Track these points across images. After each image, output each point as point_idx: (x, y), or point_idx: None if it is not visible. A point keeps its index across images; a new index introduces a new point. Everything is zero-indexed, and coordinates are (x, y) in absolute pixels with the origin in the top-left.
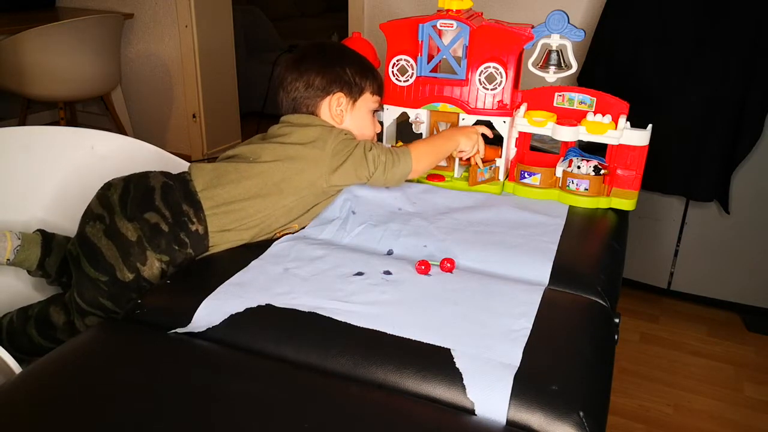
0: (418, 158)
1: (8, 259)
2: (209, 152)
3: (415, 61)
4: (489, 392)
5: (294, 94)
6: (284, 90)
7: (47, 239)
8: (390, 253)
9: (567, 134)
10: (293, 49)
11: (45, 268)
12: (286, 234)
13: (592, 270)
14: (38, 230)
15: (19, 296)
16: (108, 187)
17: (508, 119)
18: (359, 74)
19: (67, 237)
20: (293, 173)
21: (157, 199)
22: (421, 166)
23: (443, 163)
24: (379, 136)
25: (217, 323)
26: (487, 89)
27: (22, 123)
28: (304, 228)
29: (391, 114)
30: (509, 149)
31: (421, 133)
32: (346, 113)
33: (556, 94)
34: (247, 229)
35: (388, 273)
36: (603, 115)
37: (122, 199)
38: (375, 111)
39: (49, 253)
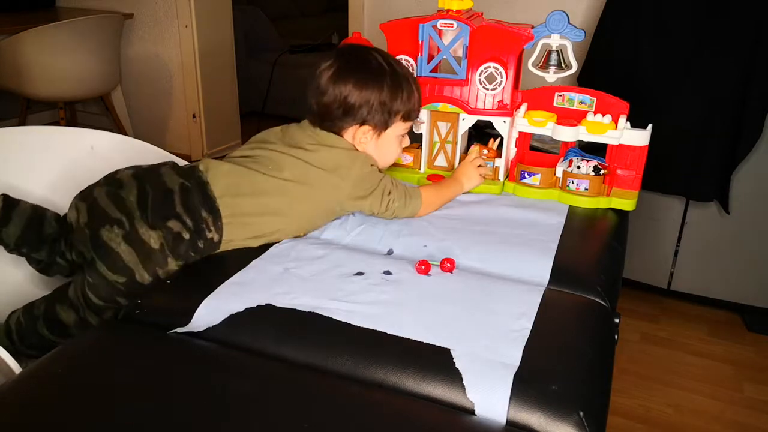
0: (426, 205)
1: None
2: (209, 152)
3: (416, 61)
4: (489, 392)
5: (323, 107)
6: (315, 96)
7: (8, 207)
8: (390, 252)
9: (567, 134)
10: (294, 49)
11: (2, 237)
12: None
13: (592, 270)
14: (2, 195)
15: (18, 287)
16: (119, 184)
17: (508, 119)
18: (394, 99)
19: (34, 206)
20: (312, 198)
21: (178, 204)
22: (426, 212)
23: (443, 163)
24: None
25: (217, 323)
26: (488, 89)
27: (22, 123)
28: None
29: None
30: (509, 149)
31: (420, 134)
32: (369, 142)
33: (556, 94)
34: (256, 238)
35: (388, 273)
36: (603, 115)
37: (141, 202)
38: (406, 132)
39: (7, 223)
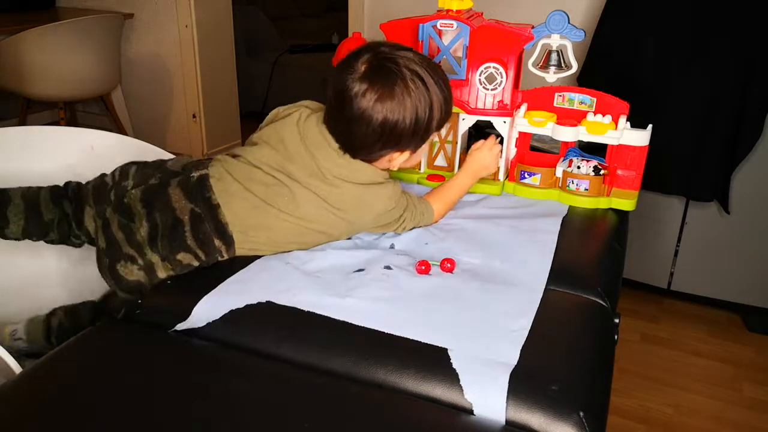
0: (438, 216)
1: None
2: (209, 152)
3: None
4: (486, 392)
5: (362, 137)
6: (347, 123)
7: (1, 206)
8: (392, 247)
9: (567, 134)
10: (294, 49)
11: (7, 236)
12: None
13: (592, 270)
14: None
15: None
16: (130, 214)
17: (508, 119)
18: (438, 116)
19: (24, 196)
20: (326, 233)
21: (189, 236)
22: (441, 217)
23: (443, 163)
24: None
25: (217, 318)
26: (488, 89)
27: (22, 123)
28: None
29: None
30: (509, 149)
31: None
32: (402, 159)
33: (556, 94)
34: (275, 251)
35: (388, 268)
36: (603, 116)
37: (151, 236)
38: None
39: (7, 223)
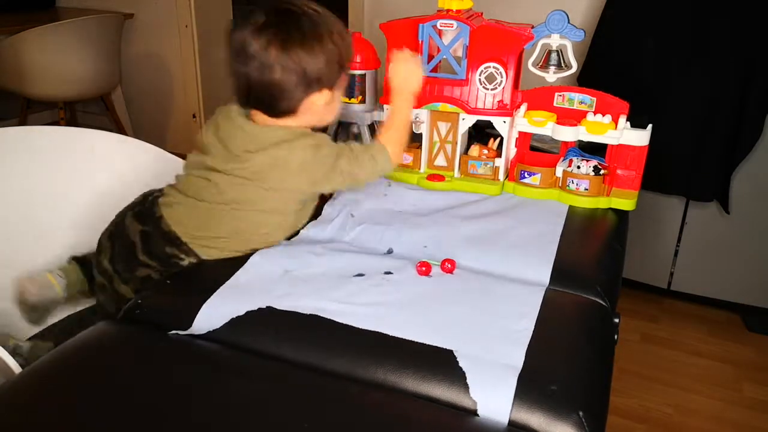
0: (396, 154)
1: (63, 297)
2: None
3: None
4: (492, 393)
5: (276, 87)
6: (257, 76)
7: (86, 268)
8: (390, 251)
9: (567, 134)
10: None
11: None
12: None
13: (592, 270)
14: (72, 258)
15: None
16: (100, 250)
17: (508, 119)
18: (346, 48)
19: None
20: (265, 208)
21: (140, 253)
22: (400, 155)
23: (443, 163)
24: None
25: (218, 327)
26: (487, 89)
27: (22, 123)
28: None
29: None
30: (509, 149)
31: (420, 134)
32: (321, 103)
33: (556, 94)
34: (241, 246)
35: (388, 273)
36: (603, 115)
37: (112, 262)
38: None
39: (93, 279)
